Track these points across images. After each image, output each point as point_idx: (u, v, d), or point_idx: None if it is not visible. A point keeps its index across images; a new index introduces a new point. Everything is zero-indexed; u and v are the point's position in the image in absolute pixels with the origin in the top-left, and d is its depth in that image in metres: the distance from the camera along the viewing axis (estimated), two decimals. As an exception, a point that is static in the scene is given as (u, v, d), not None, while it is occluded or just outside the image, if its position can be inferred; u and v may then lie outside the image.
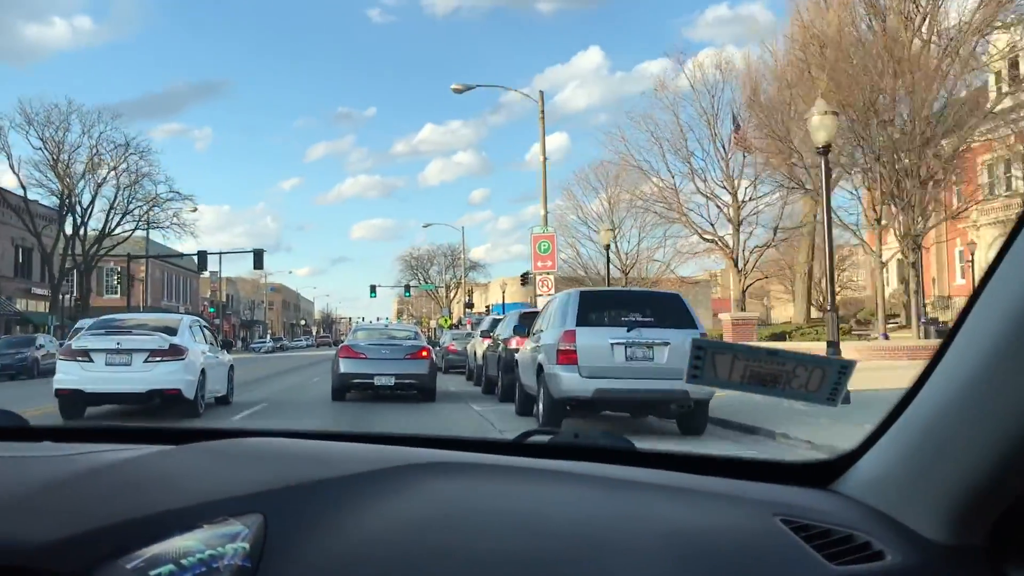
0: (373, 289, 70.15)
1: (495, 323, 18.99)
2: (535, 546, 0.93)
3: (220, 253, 52.01)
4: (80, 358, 11.81)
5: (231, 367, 14.81)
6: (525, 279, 60.03)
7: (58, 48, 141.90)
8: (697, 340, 1.25)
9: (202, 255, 44.08)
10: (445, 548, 0.92)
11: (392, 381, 14.38)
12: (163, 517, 0.91)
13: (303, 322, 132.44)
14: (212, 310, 67.64)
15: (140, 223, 46.96)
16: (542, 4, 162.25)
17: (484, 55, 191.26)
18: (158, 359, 11.85)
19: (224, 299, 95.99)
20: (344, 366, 14.55)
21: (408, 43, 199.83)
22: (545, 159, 25.31)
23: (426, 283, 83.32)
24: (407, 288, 73.29)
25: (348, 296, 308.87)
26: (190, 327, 13.06)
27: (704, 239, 34.10)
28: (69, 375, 11.78)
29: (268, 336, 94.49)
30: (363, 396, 14.61)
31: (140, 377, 11.65)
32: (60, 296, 42.63)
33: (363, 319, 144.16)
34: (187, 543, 0.87)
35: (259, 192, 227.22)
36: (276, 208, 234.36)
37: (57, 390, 11.66)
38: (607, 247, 28.02)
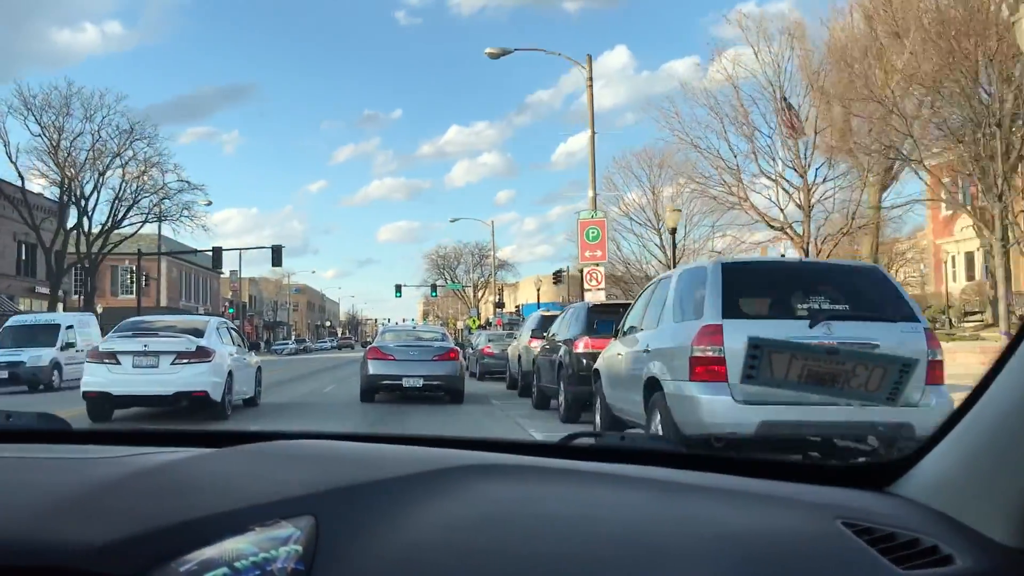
0: (398, 289, 66.34)
1: (545, 321, 16.26)
2: (589, 549, 0.93)
3: (238, 250, 48.59)
4: (107, 360, 11.90)
5: (258, 369, 14.92)
6: (558, 277, 55.08)
7: (90, 52, 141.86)
8: (753, 339, 1.22)
9: (217, 252, 40.76)
10: (497, 550, 0.92)
11: (420, 383, 14.40)
12: (215, 519, 0.93)
13: (328, 323, 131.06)
14: (231, 311, 64.22)
15: (149, 216, 43.10)
16: (568, 3, 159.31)
17: (510, 55, 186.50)
18: (185, 361, 11.94)
19: (246, 300, 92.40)
20: (373, 368, 14.61)
21: (433, 44, 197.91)
22: (594, 133, 22.94)
23: (453, 282, 79.44)
24: (433, 288, 69.76)
25: (374, 298, 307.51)
26: (217, 329, 13.16)
27: (771, 226, 29.75)
28: (96, 377, 11.88)
29: (292, 337, 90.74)
30: (391, 398, 14.67)
31: (167, 379, 11.73)
32: (60, 294, 39.01)
33: (388, 320, 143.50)
34: (239, 546, 0.88)
35: (286, 195, 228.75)
36: (303, 210, 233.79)
37: (85, 392, 11.80)
38: (673, 232, 24.00)
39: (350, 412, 13.02)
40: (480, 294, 79.28)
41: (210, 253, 43.00)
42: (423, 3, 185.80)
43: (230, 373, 12.35)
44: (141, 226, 43.84)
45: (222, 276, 74.77)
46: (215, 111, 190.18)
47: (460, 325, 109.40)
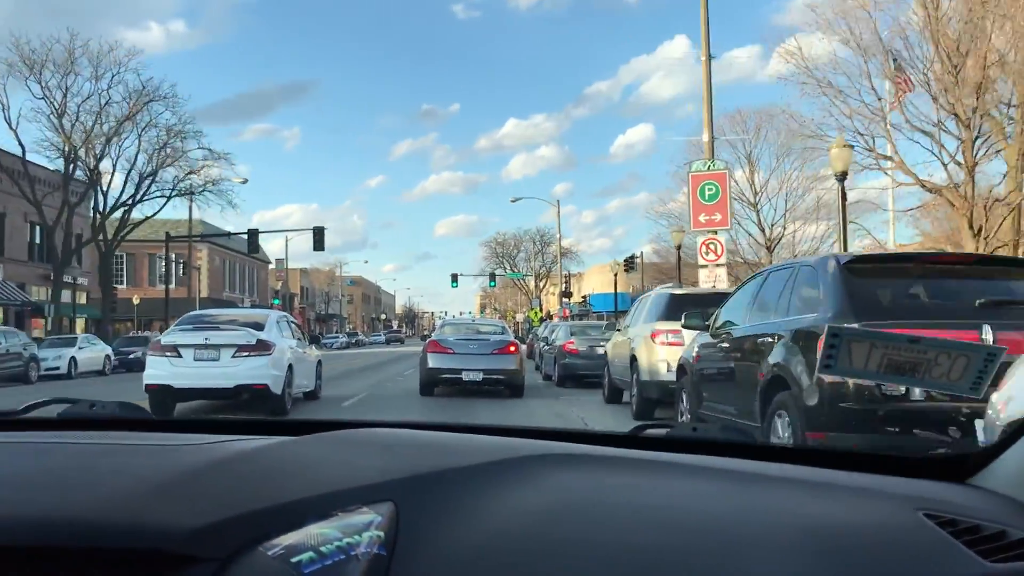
0: (455, 279, 60.85)
1: (676, 304, 11.20)
2: (667, 539, 0.94)
3: (276, 232, 42.93)
4: (169, 353, 11.93)
5: (319, 362, 14.89)
6: (631, 263, 47.74)
7: (154, 52, 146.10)
8: (833, 327, 1.22)
9: (254, 234, 35.49)
10: (575, 539, 0.93)
11: (480, 376, 14.23)
12: (299, 505, 0.95)
13: (383, 316, 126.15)
14: (276, 301, 58.70)
15: (173, 192, 37.54)
16: None
17: (568, 47, 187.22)
18: (245, 354, 11.84)
19: (297, 291, 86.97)
20: (432, 361, 14.47)
21: (491, 38, 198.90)
22: (709, 53, 19.12)
23: (512, 272, 73.11)
24: (492, 277, 63.91)
25: (431, 291, 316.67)
26: (277, 322, 13.12)
27: (926, 188, 22.72)
28: (158, 371, 11.96)
29: (344, 330, 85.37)
30: (451, 392, 14.52)
31: (228, 372, 11.76)
32: (62, 280, 33.52)
33: (445, 313, 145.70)
34: (324, 531, 0.91)
35: (346, 190, 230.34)
36: (362, 206, 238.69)
37: (147, 385, 11.89)
38: (843, 177, 17.72)
39: (410, 406, 13.22)
40: (541, 284, 72.61)
41: (245, 236, 36.98)
42: None
43: (290, 366, 12.43)
44: (165, 203, 38.22)
45: (269, 266, 69.45)
46: (276, 108, 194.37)
47: (519, 318, 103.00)
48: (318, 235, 37.66)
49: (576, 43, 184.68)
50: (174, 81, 64.65)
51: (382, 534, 0.91)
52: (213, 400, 12.23)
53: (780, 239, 35.02)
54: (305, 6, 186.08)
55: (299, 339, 14.00)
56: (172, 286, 58.15)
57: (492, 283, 67.59)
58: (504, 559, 0.90)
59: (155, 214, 39.13)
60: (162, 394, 11.79)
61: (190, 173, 38.08)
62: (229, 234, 40.91)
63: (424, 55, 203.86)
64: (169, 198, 38.37)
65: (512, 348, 14.78)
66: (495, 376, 14.35)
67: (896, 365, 1.17)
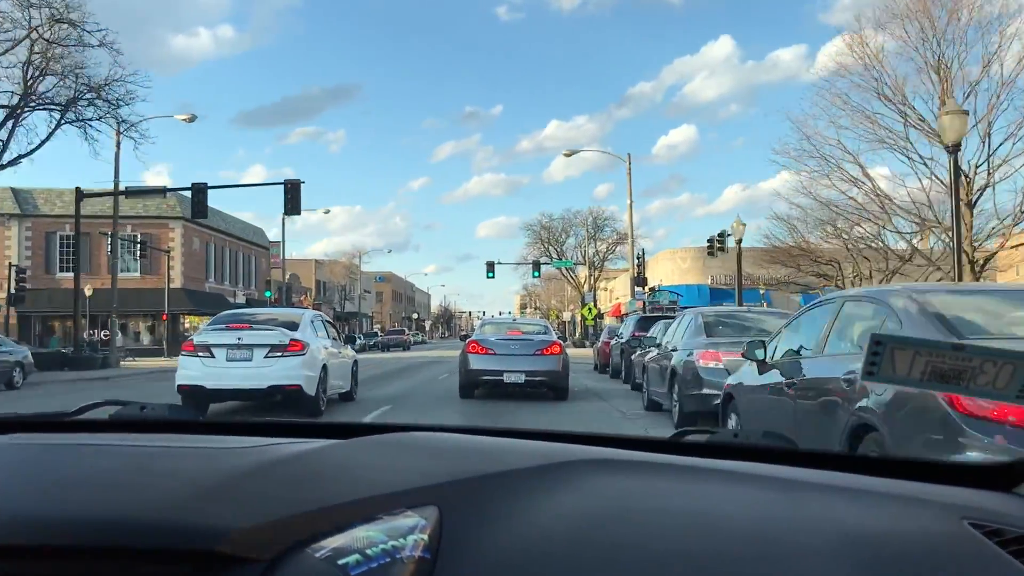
0: (491, 268, 47.36)
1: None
2: (710, 546, 0.95)
3: (240, 187, 29.69)
4: (201, 353, 11.99)
5: (355, 363, 14.92)
6: (719, 245, 38.51)
7: (203, 56, 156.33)
8: (876, 334, 1.23)
9: (199, 192, 21.86)
10: (619, 545, 0.95)
11: (523, 378, 13.85)
12: (345, 508, 0.98)
13: (415, 315, 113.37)
14: (268, 295, 45.28)
15: (52, 109, 24.60)
16: None
17: (611, 47, 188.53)
18: (279, 354, 11.84)
19: (312, 285, 73.01)
20: (473, 362, 14.17)
21: (535, 39, 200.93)
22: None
23: (560, 260, 59.01)
24: (536, 267, 50.07)
25: (472, 292, 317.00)
26: (312, 322, 13.11)
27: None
28: (191, 371, 12.01)
29: (363, 330, 71.79)
30: (491, 394, 14.25)
31: (261, 372, 11.76)
32: None
33: (484, 313, 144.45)
34: (370, 533, 0.93)
35: (389, 192, 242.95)
36: (405, 207, 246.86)
37: (179, 386, 11.97)
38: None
39: (448, 408, 12.96)
40: (595, 276, 58.12)
41: (189, 194, 24.42)
42: None
43: (324, 367, 12.40)
44: (46, 138, 25.35)
45: (272, 254, 56.22)
46: (321, 111, 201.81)
47: (566, 316, 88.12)
48: (291, 191, 27.84)
49: (619, 44, 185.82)
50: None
51: (426, 538, 0.93)
52: (246, 401, 12.11)
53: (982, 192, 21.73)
54: (350, 10, 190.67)
55: (334, 339, 13.97)
56: (135, 274, 44.50)
57: (536, 273, 54.51)
58: (546, 564, 0.92)
59: (32, 152, 25.95)
60: (194, 394, 11.69)
61: (87, 92, 24.70)
62: (164, 191, 28.23)
63: (468, 57, 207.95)
64: (57, 128, 25.18)
65: (555, 348, 14.30)
66: (538, 378, 13.86)
67: (940, 373, 1.16)
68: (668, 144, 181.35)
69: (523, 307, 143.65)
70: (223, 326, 12.43)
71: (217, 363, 11.81)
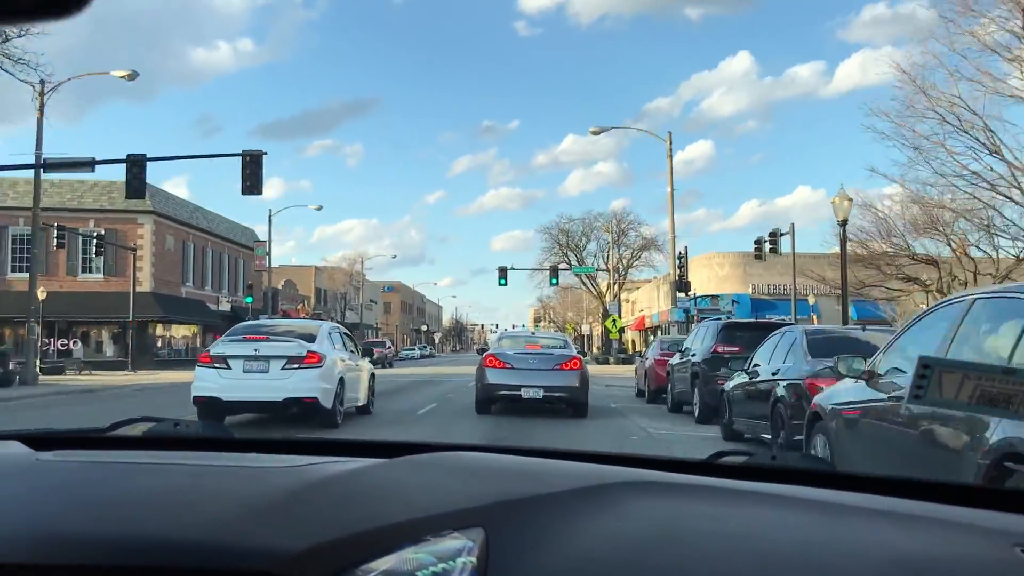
0: (503, 275, 40.71)
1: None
2: (754, 569, 0.96)
3: (187, 159, 23.01)
4: (218, 365, 12.04)
5: (372, 375, 14.96)
6: (775, 245, 33.08)
7: (223, 70, 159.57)
8: (924, 358, 1.24)
9: (135, 166, 14.35)
10: (660, 568, 0.97)
11: (541, 394, 13.51)
12: (393, 529, 0.99)
13: (424, 327, 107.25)
14: (249, 300, 39.03)
15: None
16: (689, 10, 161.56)
17: (629, 63, 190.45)
18: (295, 366, 11.81)
19: (311, 292, 67.08)
20: (490, 377, 13.88)
21: (553, 54, 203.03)
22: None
23: (580, 266, 52.73)
24: (553, 272, 43.84)
25: (486, 306, 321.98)
26: (329, 334, 13.08)
27: None
28: (207, 382, 12.04)
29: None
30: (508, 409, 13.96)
31: (277, 384, 11.74)
32: None
33: (496, 327, 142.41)
34: (418, 555, 0.95)
35: (405, 205, 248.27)
36: (420, 220, 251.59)
37: (195, 397, 12.02)
38: None
39: (466, 424, 12.95)
40: (618, 284, 51.68)
41: (124, 167, 17.79)
42: (543, 14, 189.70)
43: (341, 379, 12.45)
44: None
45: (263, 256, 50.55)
46: (339, 124, 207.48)
47: (585, 330, 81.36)
48: (251, 165, 22.67)
49: (637, 59, 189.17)
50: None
51: (475, 560, 0.93)
52: (262, 413, 12.26)
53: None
54: (369, 24, 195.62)
55: (352, 351, 14.01)
56: (100, 275, 38.37)
57: (553, 280, 48.69)
58: None
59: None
60: (210, 406, 11.73)
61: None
62: (93, 163, 21.66)
63: (486, 72, 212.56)
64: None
65: (575, 363, 14.05)
66: (556, 394, 13.59)
67: (989, 397, 1.16)
68: (685, 159, 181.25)
69: (537, 320, 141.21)
70: (240, 337, 12.48)
71: (233, 375, 11.80)
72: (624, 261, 60.74)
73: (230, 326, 60.19)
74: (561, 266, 56.04)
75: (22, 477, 1.24)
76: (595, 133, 39.26)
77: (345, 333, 14.34)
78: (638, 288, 71.64)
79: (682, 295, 31.66)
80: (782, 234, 32.77)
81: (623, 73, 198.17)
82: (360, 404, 13.84)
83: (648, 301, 70.03)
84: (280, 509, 1.05)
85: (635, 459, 1.50)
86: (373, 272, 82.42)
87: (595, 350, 76.55)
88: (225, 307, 51.51)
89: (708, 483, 1.25)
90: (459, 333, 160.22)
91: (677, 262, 31.57)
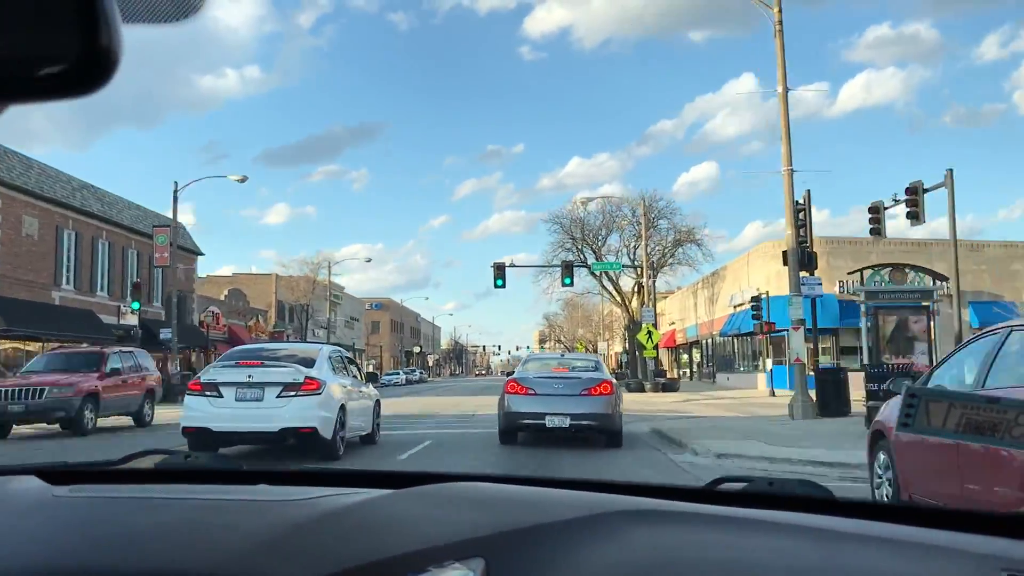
0: (500, 273, 37.77)
1: None
2: None
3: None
4: (209, 393, 11.29)
5: (377, 402, 14.18)
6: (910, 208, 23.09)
7: (229, 96, 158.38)
8: (911, 388, 1.29)
9: None
10: None
11: (567, 422, 12.51)
12: (397, 561, 1.04)
13: (418, 349, 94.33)
14: (136, 306, 23.37)
15: None
16: (693, 33, 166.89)
17: (633, 86, 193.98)
18: (292, 394, 11.04)
19: (270, 305, 53.61)
20: (511, 404, 13.08)
21: (557, 78, 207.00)
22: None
23: (600, 262, 38.83)
24: (567, 270, 30.21)
25: (492, 330, 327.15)
26: (329, 358, 12.41)
27: None
28: (196, 412, 11.31)
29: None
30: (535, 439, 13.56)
31: (272, 414, 10.99)
32: None
33: (499, 348, 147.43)
34: None
35: (410, 230, 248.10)
36: (425, 245, 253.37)
37: (184, 428, 11.39)
38: None
39: (490, 456, 12.25)
40: (651, 282, 37.73)
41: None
42: (547, 39, 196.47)
43: (343, 407, 11.75)
44: None
45: (198, 261, 37.03)
46: (344, 150, 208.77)
47: (600, 349, 67.12)
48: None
49: (641, 82, 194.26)
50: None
51: None
52: (257, 445, 11.71)
53: None
54: (374, 50, 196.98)
55: (355, 376, 13.44)
56: None
57: (567, 280, 36.44)
58: None
59: None
60: (201, 437, 11.01)
61: None
62: None
63: (491, 96, 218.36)
64: None
65: (605, 387, 12.93)
66: (585, 422, 12.62)
67: (975, 425, 1.20)
68: (689, 181, 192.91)
69: (542, 341, 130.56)
70: (233, 363, 11.82)
71: (225, 403, 11.09)
72: (663, 252, 47.34)
73: (139, 343, 38.12)
74: (576, 263, 43.33)
75: (40, 512, 1.30)
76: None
77: (347, 357, 13.68)
78: (664, 298, 58.36)
79: (806, 274, 18.77)
80: (925, 190, 19.47)
81: (627, 96, 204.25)
82: (364, 433, 13.27)
83: (681, 311, 57.27)
84: (286, 542, 1.10)
85: (635, 487, 1.54)
86: (363, 289, 69.62)
87: (620, 367, 63.22)
88: (131, 320, 38.40)
89: (706, 511, 1.29)
90: (458, 355, 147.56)
91: (797, 219, 18.00)
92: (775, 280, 40.21)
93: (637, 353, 49.68)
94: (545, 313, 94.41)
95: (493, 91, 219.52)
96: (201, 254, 50.39)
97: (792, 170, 19.15)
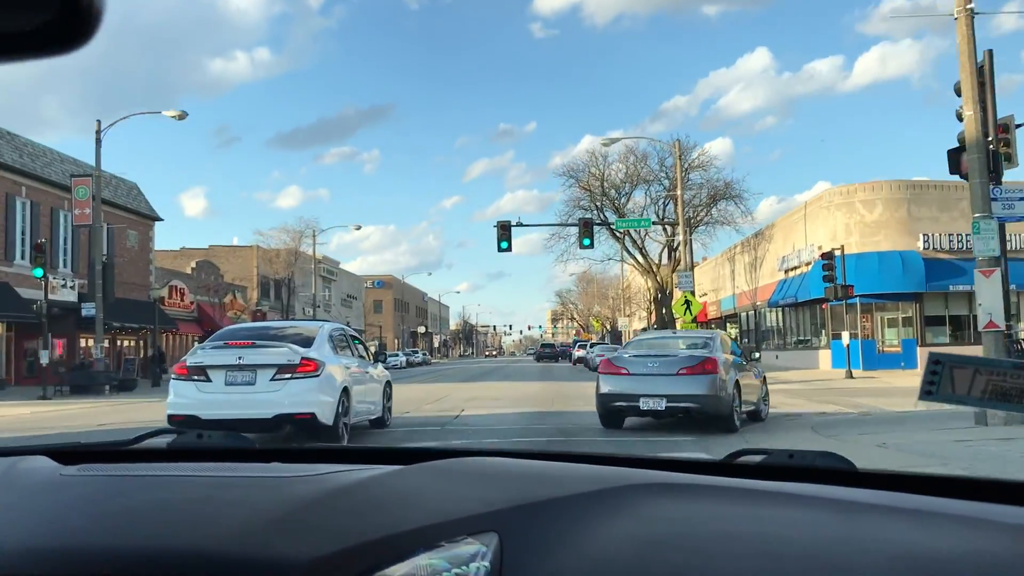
0: (505, 234, 31.34)
1: None
2: (767, 569, 0.98)
3: None
4: (196, 377, 10.41)
5: (387, 383, 13.21)
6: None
7: (241, 80, 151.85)
8: (934, 354, 1.27)
9: None
10: (674, 569, 1.00)
11: (663, 404, 11.55)
12: (409, 536, 1.04)
13: (423, 329, 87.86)
14: (38, 273, 14.81)
15: None
16: (706, 7, 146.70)
17: (645, 62, 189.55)
18: (287, 376, 10.12)
19: (251, 281, 46.55)
20: (604, 384, 12.29)
21: (569, 55, 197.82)
22: None
23: (624, 219, 31.17)
24: (585, 230, 22.76)
25: (505, 311, 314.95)
26: (331, 336, 11.47)
27: None
28: (183, 398, 10.47)
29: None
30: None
31: (266, 399, 10.07)
32: None
33: (510, 328, 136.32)
34: (433, 561, 0.99)
35: (422, 211, 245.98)
36: (437, 226, 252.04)
37: (170, 416, 10.50)
38: None
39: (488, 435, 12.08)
40: (682, 238, 30.84)
41: None
42: (558, 15, 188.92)
43: (345, 390, 10.83)
44: None
45: (155, 228, 30.04)
46: (356, 131, 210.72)
47: (622, 325, 60.10)
48: None
49: (654, 59, 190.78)
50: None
51: (488, 564, 0.97)
52: (250, 432, 10.16)
53: None
54: (385, 31, 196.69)
55: (362, 356, 12.50)
56: None
57: (586, 241, 29.25)
58: None
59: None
60: (188, 426, 9.43)
61: None
62: None
63: (502, 75, 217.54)
64: None
65: (708, 366, 11.73)
66: (683, 404, 11.60)
67: (1002, 391, 1.17)
68: (704, 157, 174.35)
69: (555, 320, 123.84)
70: (222, 343, 10.92)
71: (214, 388, 10.23)
72: (698, 207, 40.37)
73: (74, 321, 31.78)
74: (596, 221, 36.70)
75: (48, 491, 1.30)
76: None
77: (352, 335, 12.81)
78: (693, 269, 51.32)
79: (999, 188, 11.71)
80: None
81: (640, 72, 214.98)
82: (374, 417, 12.34)
83: (714, 282, 50.90)
84: (297, 518, 1.10)
85: (651, 461, 1.52)
86: (376, 270, 63.23)
87: None
88: (67, 294, 32.22)
89: (724, 483, 1.27)
90: (468, 336, 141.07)
91: (979, 90, 10.85)
92: (845, 234, 33.60)
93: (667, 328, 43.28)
94: (558, 290, 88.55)
95: (505, 70, 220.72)
96: (159, 219, 44.42)
97: (973, 10, 11.53)
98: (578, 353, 53.97)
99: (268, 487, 1.26)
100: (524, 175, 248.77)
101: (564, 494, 1.15)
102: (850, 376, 26.78)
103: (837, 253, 28.10)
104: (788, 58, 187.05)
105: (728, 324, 54.62)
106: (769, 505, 1.15)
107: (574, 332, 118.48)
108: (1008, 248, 14.85)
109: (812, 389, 22.19)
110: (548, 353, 71.83)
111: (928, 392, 1.20)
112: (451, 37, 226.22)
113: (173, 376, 10.80)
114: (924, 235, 31.91)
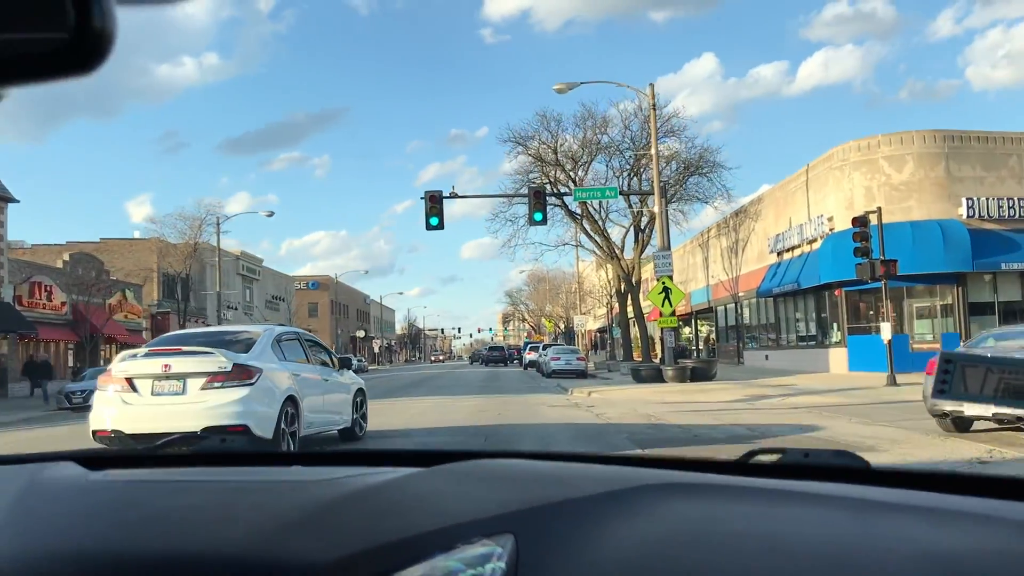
0: (435, 209, 25.64)
1: None
2: (783, 568, 0.99)
3: None
4: (121, 388, 9.78)
5: (359, 391, 12.25)
6: None
7: (188, 84, 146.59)
8: (946, 353, 1.25)
9: None
10: (692, 569, 1.01)
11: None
12: (425, 538, 1.06)
13: (362, 333, 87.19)
14: None
15: None
16: (654, 13, 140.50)
17: (595, 67, 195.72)
18: (218, 385, 9.46)
19: (157, 280, 36.82)
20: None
21: (519, 60, 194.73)
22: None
23: (584, 190, 23.54)
24: (537, 202, 15.18)
25: (457, 314, 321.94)
26: (277, 341, 10.70)
27: None
28: (107, 411, 9.77)
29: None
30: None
31: (194, 410, 9.45)
32: None
33: (459, 331, 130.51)
34: (449, 564, 1.01)
35: (373, 216, 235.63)
36: (389, 231, 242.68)
37: (94, 432, 9.90)
38: None
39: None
40: (658, 210, 23.86)
41: None
42: (507, 21, 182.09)
43: (291, 399, 10.11)
44: None
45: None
46: (306, 136, 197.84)
47: (578, 324, 53.69)
48: None
49: (603, 64, 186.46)
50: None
51: (504, 566, 0.98)
52: (183, 446, 7.20)
53: None
54: (336, 35, 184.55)
55: (324, 363, 11.68)
56: None
57: (538, 215, 21.82)
58: None
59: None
60: (114, 443, 9.55)
61: None
62: None
63: (453, 80, 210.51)
64: None
65: None
66: None
67: (1014, 389, 1.15)
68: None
69: (506, 320, 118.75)
70: (150, 351, 10.48)
71: (140, 399, 9.57)
72: (675, 181, 33.75)
73: None
74: (549, 194, 29.31)
75: (75, 497, 1.34)
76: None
77: (308, 339, 12.02)
78: (651, 262, 44.45)
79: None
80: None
81: (590, 77, 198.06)
82: (342, 427, 11.68)
83: (681, 273, 44.53)
84: (315, 521, 1.13)
85: (666, 460, 1.55)
86: (315, 272, 55.67)
87: (603, 354, 49.62)
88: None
89: (740, 483, 1.29)
90: (415, 340, 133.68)
91: None
92: (866, 201, 25.24)
93: (633, 325, 36.61)
94: (507, 290, 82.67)
95: (456, 75, 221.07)
96: (14, 200, 36.57)
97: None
98: (529, 356, 49.89)
99: (288, 491, 1.28)
100: (476, 179, 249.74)
101: (580, 495, 1.15)
102: (893, 383, 19.62)
103: (873, 220, 20.70)
104: (734, 63, 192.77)
105: (699, 320, 48.89)
106: (785, 504, 1.14)
107: (525, 334, 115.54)
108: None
109: (865, 405, 15.10)
110: (495, 356, 65.41)
111: (941, 391, 1.16)
112: (402, 42, 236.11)
113: (98, 387, 10.09)
114: (968, 200, 25.07)
